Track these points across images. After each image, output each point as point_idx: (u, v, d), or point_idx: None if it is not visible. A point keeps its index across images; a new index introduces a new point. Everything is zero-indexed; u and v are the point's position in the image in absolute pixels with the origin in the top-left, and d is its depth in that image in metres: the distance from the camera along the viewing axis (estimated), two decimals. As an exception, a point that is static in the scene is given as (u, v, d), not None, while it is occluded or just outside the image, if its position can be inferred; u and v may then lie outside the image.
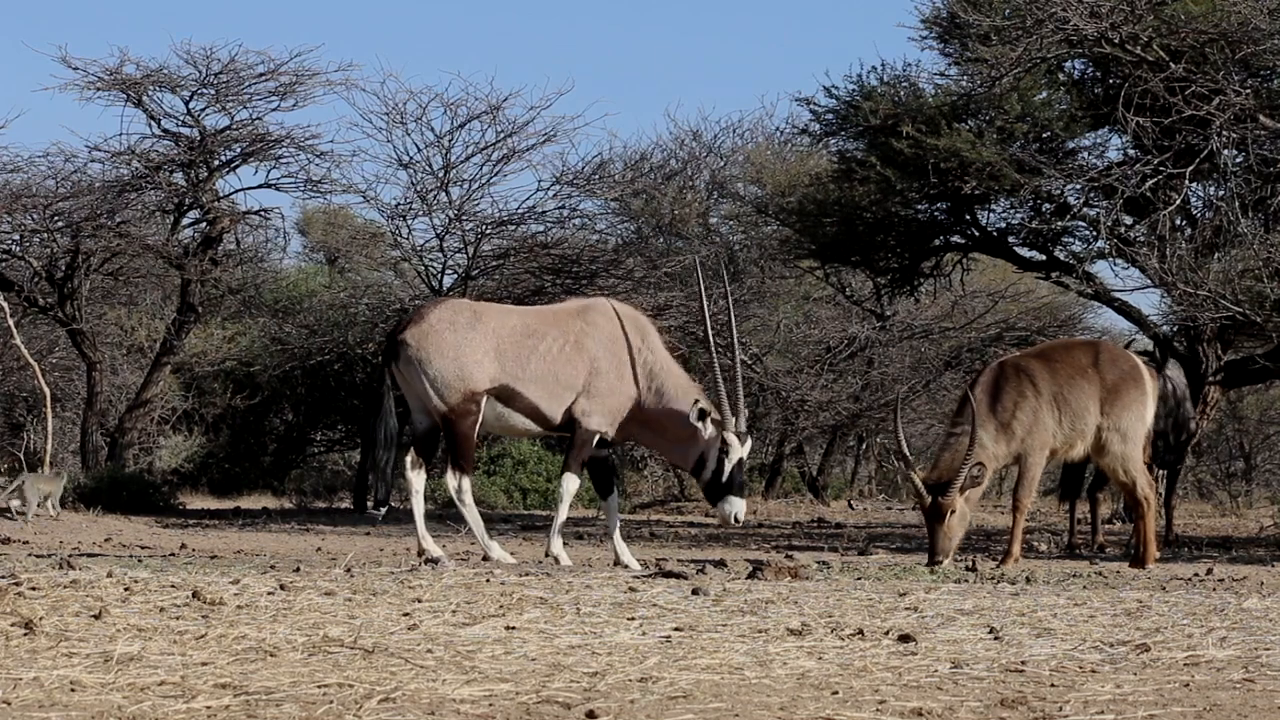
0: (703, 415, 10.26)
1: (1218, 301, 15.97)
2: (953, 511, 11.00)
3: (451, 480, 10.17)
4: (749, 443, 10.43)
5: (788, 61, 66.93)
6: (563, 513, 10.38)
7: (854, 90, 19.02)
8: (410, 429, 10.43)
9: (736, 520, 10.26)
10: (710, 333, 10.81)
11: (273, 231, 24.44)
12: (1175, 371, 16.14)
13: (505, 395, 10.20)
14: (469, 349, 10.12)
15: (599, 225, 24.45)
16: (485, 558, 10.33)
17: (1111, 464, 11.67)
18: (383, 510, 10.68)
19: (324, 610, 6.43)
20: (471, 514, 10.23)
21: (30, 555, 10.21)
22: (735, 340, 11.14)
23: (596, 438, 10.31)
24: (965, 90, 18.23)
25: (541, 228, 22.02)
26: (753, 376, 24.74)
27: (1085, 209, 18.31)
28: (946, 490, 10.97)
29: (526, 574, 8.51)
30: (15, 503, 17.08)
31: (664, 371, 10.39)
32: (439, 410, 10.11)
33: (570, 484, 10.34)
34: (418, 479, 10.24)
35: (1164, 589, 8.86)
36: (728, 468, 10.28)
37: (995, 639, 6.16)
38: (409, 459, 10.27)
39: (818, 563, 10.72)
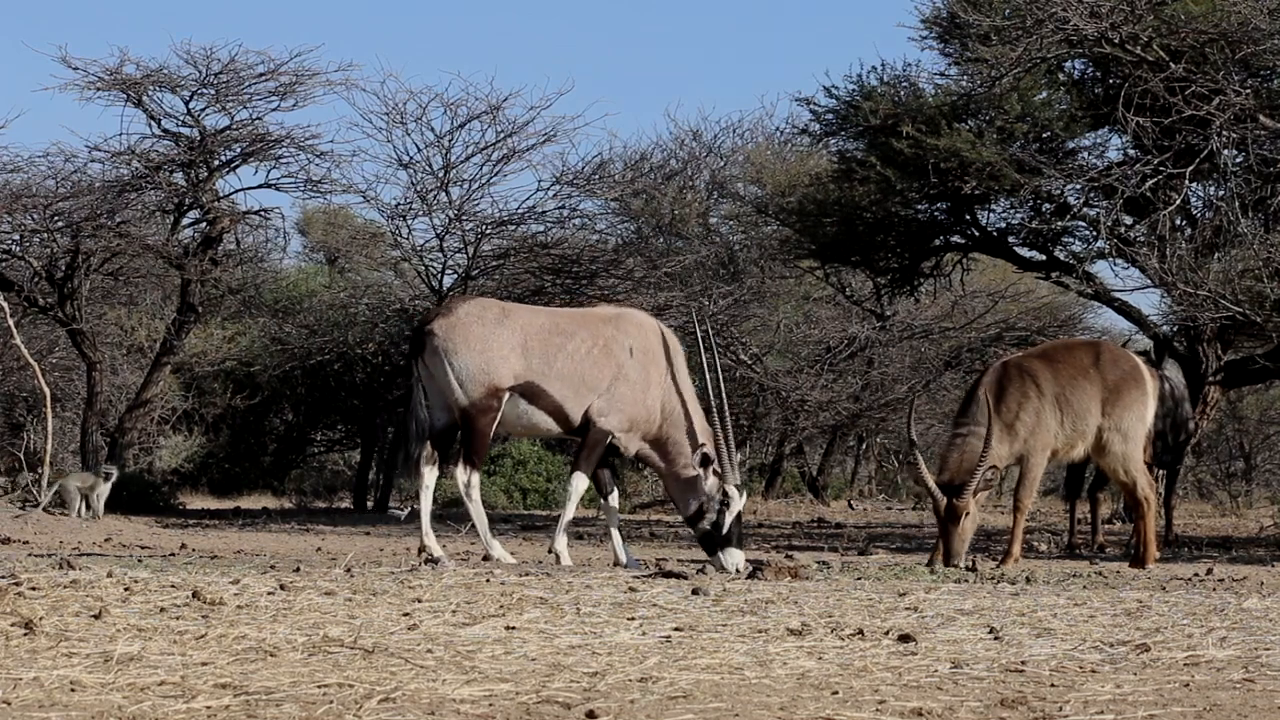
0: (705, 461, 10.25)
1: (1218, 301, 15.97)
2: (967, 514, 11.01)
3: (462, 475, 10.15)
4: (745, 496, 10.44)
5: (788, 61, 66.97)
6: (570, 511, 10.36)
7: (854, 90, 19.03)
8: (429, 424, 10.38)
9: (737, 571, 10.05)
10: (719, 386, 10.57)
11: (273, 231, 24.45)
12: (1173, 371, 16.13)
13: (530, 393, 10.18)
14: (495, 343, 10.11)
15: (599, 225, 24.46)
16: (486, 557, 10.31)
17: (1112, 464, 11.68)
18: (405, 510, 10.62)
19: (324, 610, 6.43)
20: (477, 510, 10.20)
21: (30, 555, 10.21)
22: (725, 402, 10.91)
23: (608, 439, 10.29)
24: (965, 90, 18.23)
25: (541, 228, 22.02)
26: (753, 377, 24.75)
27: (1085, 209, 18.31)
28: (961, 493, 10.97)
29: (526, 574, 8.52)
30: (78, 504, 17.21)
31: (685, 400, 10.38)
32: (460, 404, 10.07)
33: (579, 483, 10.30)
34: (430, 474, 10.19)
35: (1164, 589, 8.86)
36: (728, 520, 10.26)
37: (995, 639, 6.16)
38: (423, 454, 10.22)
39: (818, 563, 10.72)
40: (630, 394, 10.26)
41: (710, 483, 10.30)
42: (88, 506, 17.69)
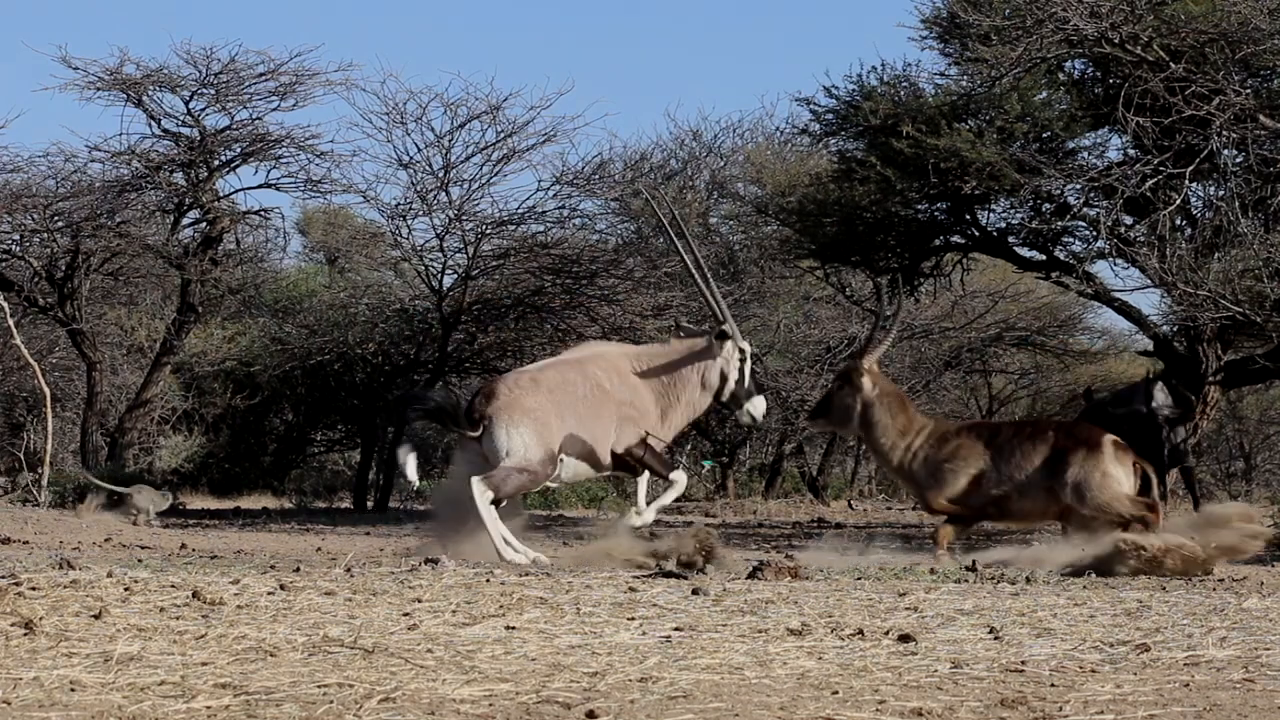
0: (723, 336, 11.07)
1: (1218, 301, 15.96)
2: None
3: (480, 487, 10.33)
4: (750, 347, 11.33)
5: (788, 61, 66.99)
6: (668, 497, 11.09)
7: (854, 90, 19.01)
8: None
9: (765, 417, 11.40)
10: (696, 256, 11.61)
11: (273, 231, 24.48)
12: (1162, 396, 15.92)
13: (570, 447, 10.75)
14: (544, 413, 10.62)
15: (599, 225, 24.47)
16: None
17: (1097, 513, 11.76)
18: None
19: (324, 610, 6.43)
20: (492, 518, 10.32)
21: (30, 555, 10.21)
22: (705, 266, 11.64)
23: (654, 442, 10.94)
24: (965, 90, 18.21)
25: (541, 228, 22.03)
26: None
27: (1085, 209, 18.29)
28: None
29: (526, 574, 8.52)
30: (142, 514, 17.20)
31: (663, 374, 11.05)
32: (519, 468, 10.49)
33: (679, 476, 11.20)
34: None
35: (1164, 589, 8.86)
36: (748, 372, 11.12)
37: (995, 639, 6.16)
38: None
39: (818, 563, 10.74)
40: (636, 413, 10.88)
41: (727, 349, 11.04)
42: (150, 515, 17.70)
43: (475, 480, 10.27)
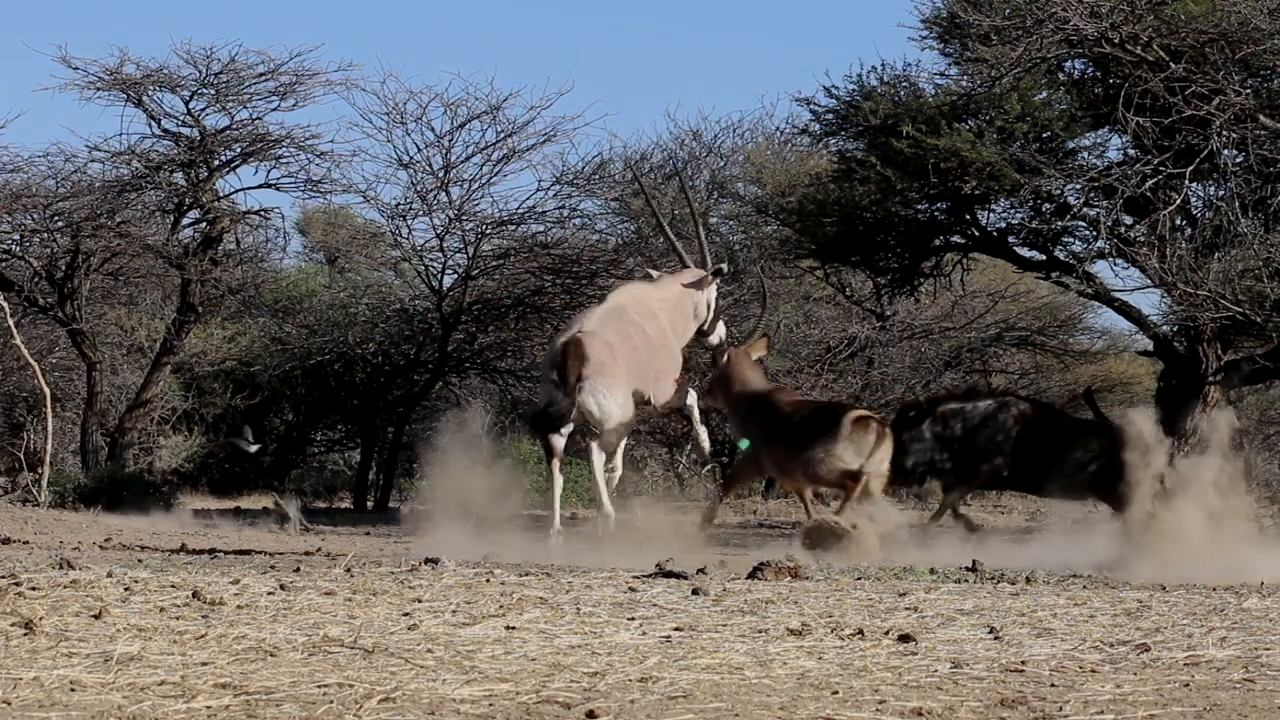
0: (719, 273, 12.98)
1: (1218, 301, 15.96)
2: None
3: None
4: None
5: (788, 61, 66.86)
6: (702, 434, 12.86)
7: (854, 90, 18.99)
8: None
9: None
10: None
11: (273, 231, 24.43)
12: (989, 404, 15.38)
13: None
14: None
15: (599, 225, 24.45)
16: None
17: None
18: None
19: (324, 610, 6.43)
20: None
21: (30, 555, 10.21)
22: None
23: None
24: (965, 90, 18.20)
25: (541, 228, 22.03)
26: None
27: (1085, 209, 18.28)
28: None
29: (526, 574, 8.53)
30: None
31: (675, 310, 12.79)
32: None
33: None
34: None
35: (1164, 589, 8.86)
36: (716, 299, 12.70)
37: (995, 639, 6.16)
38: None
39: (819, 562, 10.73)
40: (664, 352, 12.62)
41: (714, 284, 12.86)
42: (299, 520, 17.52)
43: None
